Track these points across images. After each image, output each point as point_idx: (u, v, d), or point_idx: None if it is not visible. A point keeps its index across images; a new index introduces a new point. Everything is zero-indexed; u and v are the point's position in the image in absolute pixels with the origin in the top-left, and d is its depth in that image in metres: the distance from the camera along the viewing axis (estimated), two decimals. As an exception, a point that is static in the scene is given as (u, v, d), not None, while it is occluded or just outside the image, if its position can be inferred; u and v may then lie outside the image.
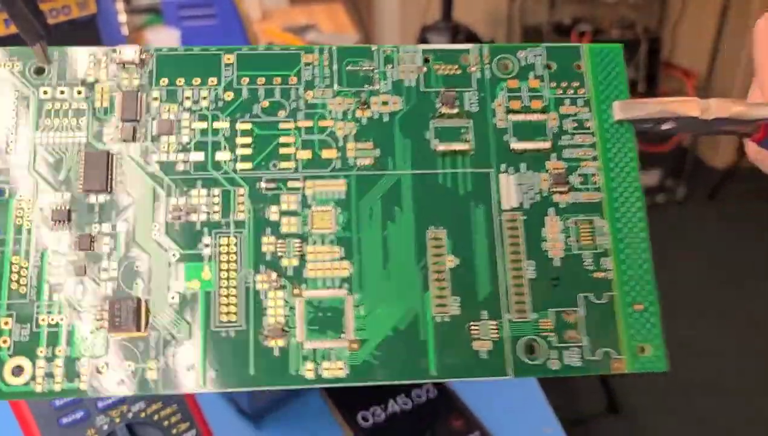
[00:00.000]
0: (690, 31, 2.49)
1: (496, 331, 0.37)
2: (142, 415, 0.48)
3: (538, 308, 0.38)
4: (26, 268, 0.37)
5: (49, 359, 0.36)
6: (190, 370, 0.36)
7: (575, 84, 0.41)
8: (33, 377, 0.35)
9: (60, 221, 0.37)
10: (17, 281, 0.36)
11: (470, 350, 0.37)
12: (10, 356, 0.36)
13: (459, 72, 0.41)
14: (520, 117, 0.40)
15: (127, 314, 0.36)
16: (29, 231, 0.37)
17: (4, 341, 0.36)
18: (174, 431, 0.46)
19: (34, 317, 0.36)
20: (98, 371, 0.36)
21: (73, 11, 0.66)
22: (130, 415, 0.47)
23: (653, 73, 2.39)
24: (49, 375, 0.36)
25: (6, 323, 0.36)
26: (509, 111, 0.40)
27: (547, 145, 0.40)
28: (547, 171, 0.40)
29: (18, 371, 0.36)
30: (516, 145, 0.40)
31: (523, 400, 0.72)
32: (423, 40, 0.84)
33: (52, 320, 0.36)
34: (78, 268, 0.37)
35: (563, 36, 2.20)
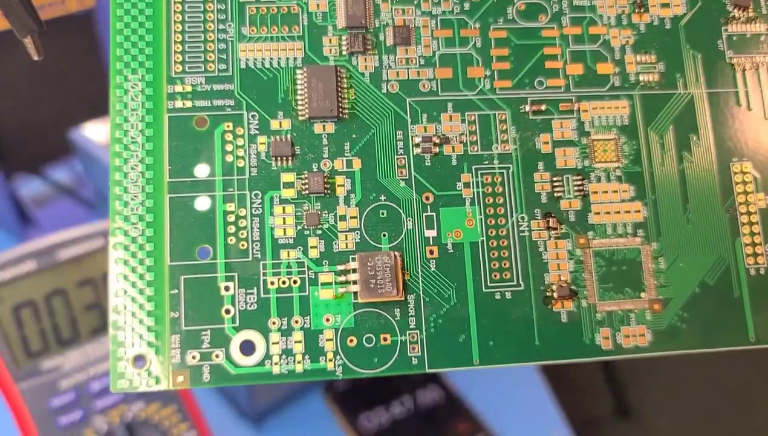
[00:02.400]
0: None
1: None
2: (142, 415, 0.43)
3: None
4: (245, 217, 0.28)
5: (285, 333, 0.27)
6: (462, 341, 0.27)
7: None
8: (267, 356, 0.27)
9: (282, 158, 0.28)
10: (235, 235, 0.27)
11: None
12: (237, 329, 0.27)
13: (751, -35, 0.32)
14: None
15: (384, 273, 0.27)
16: (243, 169, 0.28)
17: (228, 311, 0.27)
18: (174, 431, 0.42)
19: (260, 279, 0.27)
20: (346, 347, 0.27)
21: (70, 5, 0.58)
22: (129, 415, 0.43)
23: None
24: (287, 353, 0.27)
25: (227, 288, 0.27)
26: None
27: None
28: None
29: (248, 348, 0.27)
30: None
31: (530, 402, 0.66)
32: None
33: (283, 282, 0.27)
34: (310, 216, 0.28)
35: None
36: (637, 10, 0.31)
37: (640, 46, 0.30)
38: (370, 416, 0.60)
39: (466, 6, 0.30)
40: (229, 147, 0.28)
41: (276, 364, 0.27)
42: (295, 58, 0.29)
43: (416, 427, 0.60)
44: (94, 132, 0.64)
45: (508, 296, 0.28)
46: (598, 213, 0.29)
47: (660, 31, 0.30)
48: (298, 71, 0.29)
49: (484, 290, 0.28)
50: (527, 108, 0.29)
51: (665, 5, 0.31)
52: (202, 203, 0.28)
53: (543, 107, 0.29)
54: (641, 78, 0.30)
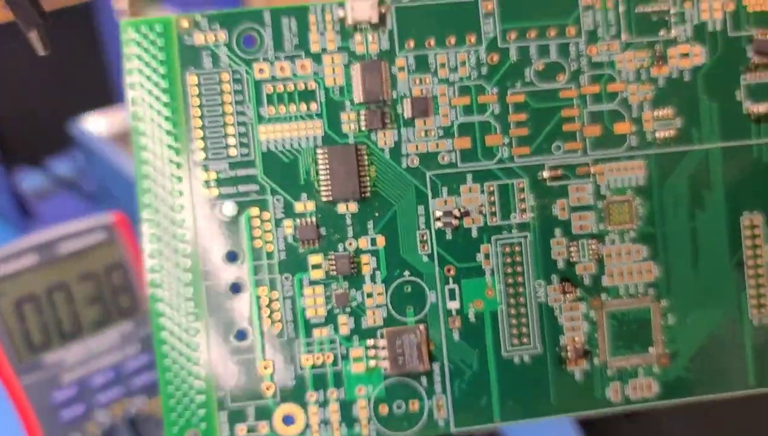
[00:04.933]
0: None
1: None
2: (144, 409, 0.43)
3: None
4: (277, 300, 0.29)
5: (322, 405, 0.29)
6: (484, 403, 0.29)
7: None
8: (308, 426, 0.29)
9: (308, 241, 0.29)
10: (270, 317, 0.29)
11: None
12: (278, 403, 0.29)
13: (776, 7, 0.30)
14: None
15: (411, 350, 0.29)
16: (271, 254, 0.29)
17: (268, 387, 0.29)
18: None
19: (296, 357, 0.29)
20: (379, 414, 0.29)
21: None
22: (131, 409, 0.43)
23: None
24: (325, 423, 0.29)
25: (266, 367, 0.29)
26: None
27: None
28: None
29: (289, 419, 0.29)
30: None
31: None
32: None
33: (317, 359, 0.29)
34: (339, 296, 0.29)
35: None
36: (656, 63, 0.30)
37: (658, 101, 0.30)
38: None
39: (484, 70, 0.29)
40: (257, 232, 0.28)
41: (316, 432, 0.29)
42: (314, 138, 0.29)
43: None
44: (95, 124, 0.63)
45: (526, 359, 0.29)
46: (611, 275, 0.30)
47: (679, 84, 0.30)
48: (319, 151, 0.29)
49: (503, 355, 0.29)
50: (545, 175, 0.29)
51: (685, 55, 0.30)
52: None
53: (560, 173, 0.29)
54: (657, 135, 0.30)
